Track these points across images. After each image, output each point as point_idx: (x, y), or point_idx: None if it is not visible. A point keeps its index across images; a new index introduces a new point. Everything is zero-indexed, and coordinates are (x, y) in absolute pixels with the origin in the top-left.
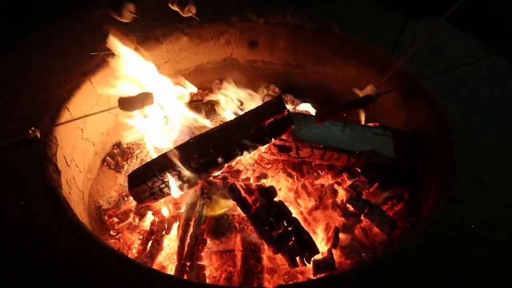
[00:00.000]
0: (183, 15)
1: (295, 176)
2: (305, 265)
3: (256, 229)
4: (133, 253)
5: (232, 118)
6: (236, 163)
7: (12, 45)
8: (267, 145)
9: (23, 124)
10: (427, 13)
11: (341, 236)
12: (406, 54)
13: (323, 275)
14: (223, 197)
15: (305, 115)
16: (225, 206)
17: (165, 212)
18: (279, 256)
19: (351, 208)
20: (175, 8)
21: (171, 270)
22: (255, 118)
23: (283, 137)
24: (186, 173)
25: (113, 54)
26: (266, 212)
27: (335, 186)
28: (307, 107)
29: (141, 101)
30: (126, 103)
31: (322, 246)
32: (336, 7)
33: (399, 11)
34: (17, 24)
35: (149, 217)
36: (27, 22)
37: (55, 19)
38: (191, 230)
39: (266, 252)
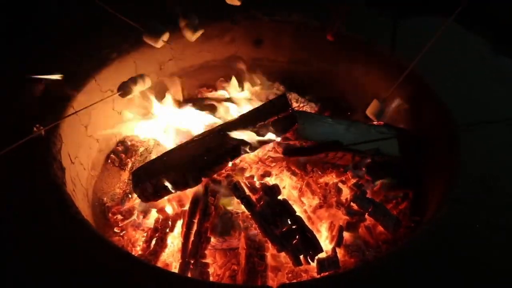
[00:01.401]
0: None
1: (299, 174)
2: (309, 263)
3: (260, 227)
4: (137, 250)
5: (236, 116)
6: (240, 161)
7: (16, 42)
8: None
9: (27, 121)
10: (431, 13)
11: (345, 234)
12: (416, 58)
13: (327, 273)
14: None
15: (309, 113)
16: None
17: (169, 209)
18: (283, 255)
19: (355, 206)
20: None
21: (175, 267)
22: (259, 116)
23: (288, 135)
24: (191, 171)
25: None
26: (270, 210)
27: (340, 184)
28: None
29: (137, 83)
30: (124, 88)
31: (326, 244)
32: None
33: (404, 11)
34: (21, 21)
35: (153, 215)
36: (32, 20)
37: (60, 17)
38: (195, 227)
39: (270, 250)
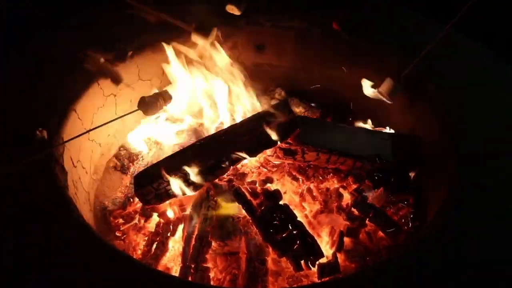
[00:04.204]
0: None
1: (300, 179)
2: (310, 268)
3: (261, 232)
4: (138, 254)
5: (238, 121)
6: (242, 166)
7: (18, 44)
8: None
9: (30, 124)
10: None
11: (346, 240)
12: (415, 60)
13: (327, 278)
14: (229, 199)
15: (311, 119)
16: (231, 208)
17: (171, 213)
18: (283, 259)
19: (356, 212)
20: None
21: (175, 271)
22: (261, 120)
23: (289, 140)
24: (192, 175)
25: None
26: (271, 215)
27: (340, 190)
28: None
29: (161, 101)
30: (147, 106)
31: (327, 249)
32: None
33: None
34: (24, 22)
35: (155, 219)
36: (34, 21)
37: (62, 19)
38: (196, 232)
39: (271, 255)
